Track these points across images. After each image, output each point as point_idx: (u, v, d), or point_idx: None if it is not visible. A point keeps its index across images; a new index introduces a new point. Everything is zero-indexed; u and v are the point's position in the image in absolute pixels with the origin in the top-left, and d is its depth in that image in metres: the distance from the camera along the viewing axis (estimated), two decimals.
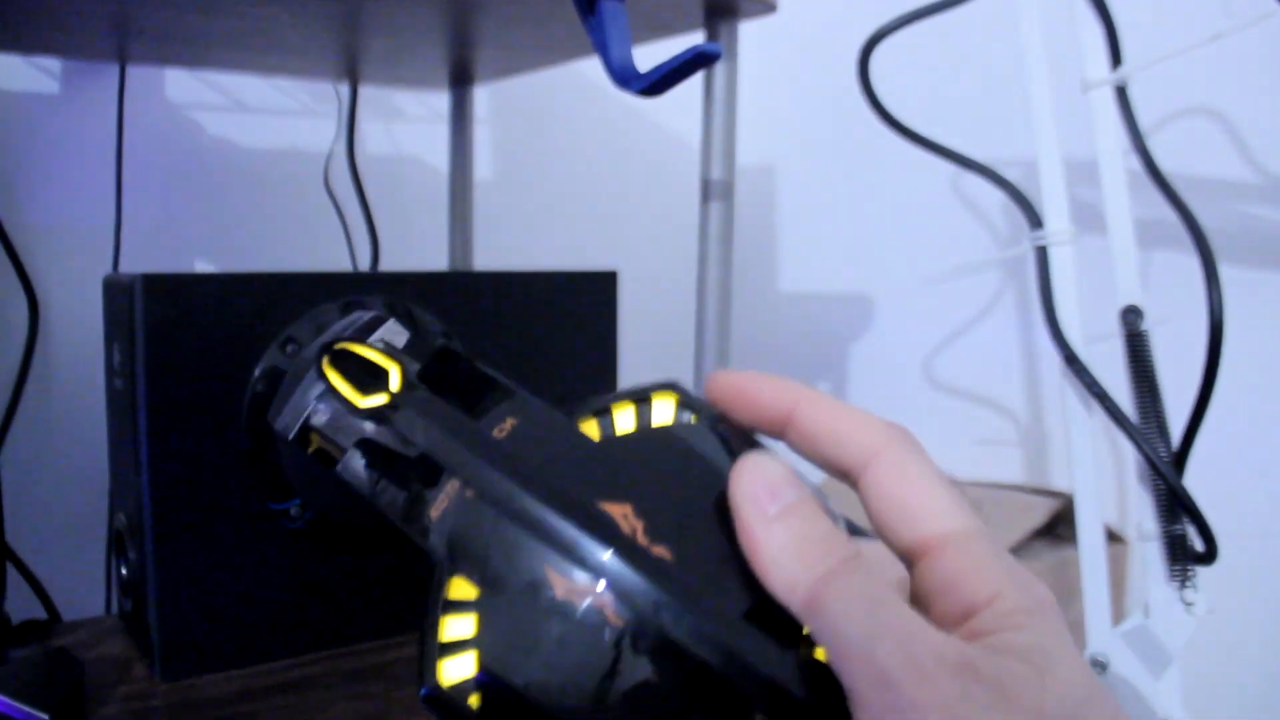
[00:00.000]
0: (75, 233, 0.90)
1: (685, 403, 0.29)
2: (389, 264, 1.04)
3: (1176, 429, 0.64)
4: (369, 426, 0.30)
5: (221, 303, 0.62)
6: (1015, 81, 0.70)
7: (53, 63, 0.89)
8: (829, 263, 1.22)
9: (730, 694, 0.24)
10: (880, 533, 0.28)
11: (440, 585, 0.28)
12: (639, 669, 0.24)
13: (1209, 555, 0.61)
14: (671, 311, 1.04)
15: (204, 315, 0.62)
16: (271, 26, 0.72)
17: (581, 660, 0.25)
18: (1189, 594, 0.62)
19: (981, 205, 1.03)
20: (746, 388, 0.29)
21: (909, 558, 0.27)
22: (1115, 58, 0.66)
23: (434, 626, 0.27)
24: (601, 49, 0.50)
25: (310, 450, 0.33)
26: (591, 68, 0.68)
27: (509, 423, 0.29)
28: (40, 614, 0.80)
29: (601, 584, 0.25)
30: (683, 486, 0.27)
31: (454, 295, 0.70)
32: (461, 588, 0.27)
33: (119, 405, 0.65)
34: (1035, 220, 0.69)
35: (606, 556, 0.25)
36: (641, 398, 0.30)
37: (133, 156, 0.92)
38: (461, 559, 0.27)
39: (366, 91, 1.02)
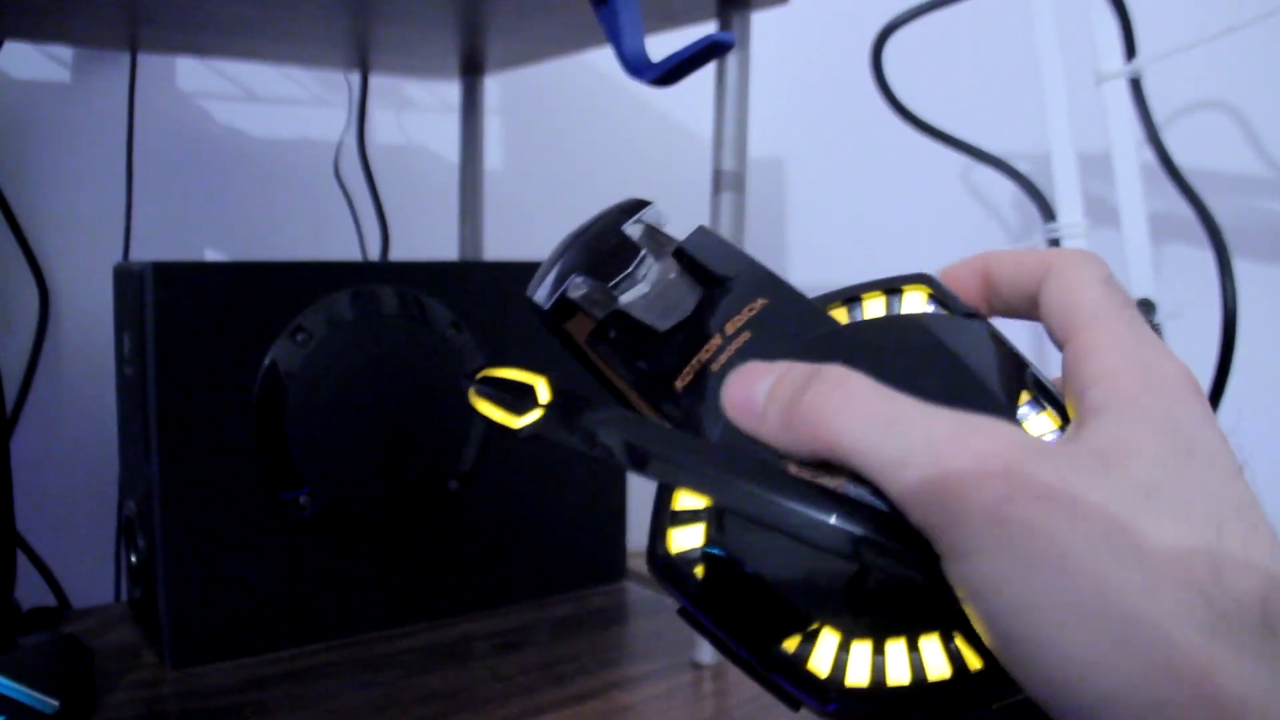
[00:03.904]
0: (85, 221, 0.90)
1: (937, 295, 0.29)
2: (399, 253, 1.04)
3: None
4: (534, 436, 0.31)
5: (232, 291, 0.62)
6: (1028, 74, 0.69)
7: (63, 51, 0.89)
8: (840, 255, 1.22)
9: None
10: (1055, 343, 0.27)
11: None
12: (855, 556, 0.24)
13: None
14: None
15: (214, 304, 0.62)
16: (282, 15, 0.72)
17: (801, 540, 0.25)
18: None
19: (993, 198, 1.03)
20: (959, 281, 0.30)
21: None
22: (1130, 50, 0.66)
23: (668, 493, 0.27)
24: (614, 38, 0.50)
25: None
26: (603, 58, 0.67)
27: (759, 303, 0.30)
28: (50, 601, 0.81)
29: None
30: (924, 375, 0.26)
31: (464, 285, 0.70)
32: None
33: (129, 393, 0.65)
34: (1048, 213, 0.69)
35: None
36: (892, 288, 0.29)
37: (143, 145, 0.92)
38: (695, 430, 0.28)
39: (377, 81, 1.02)
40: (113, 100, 0.90)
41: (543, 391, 0.30)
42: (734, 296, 0.30)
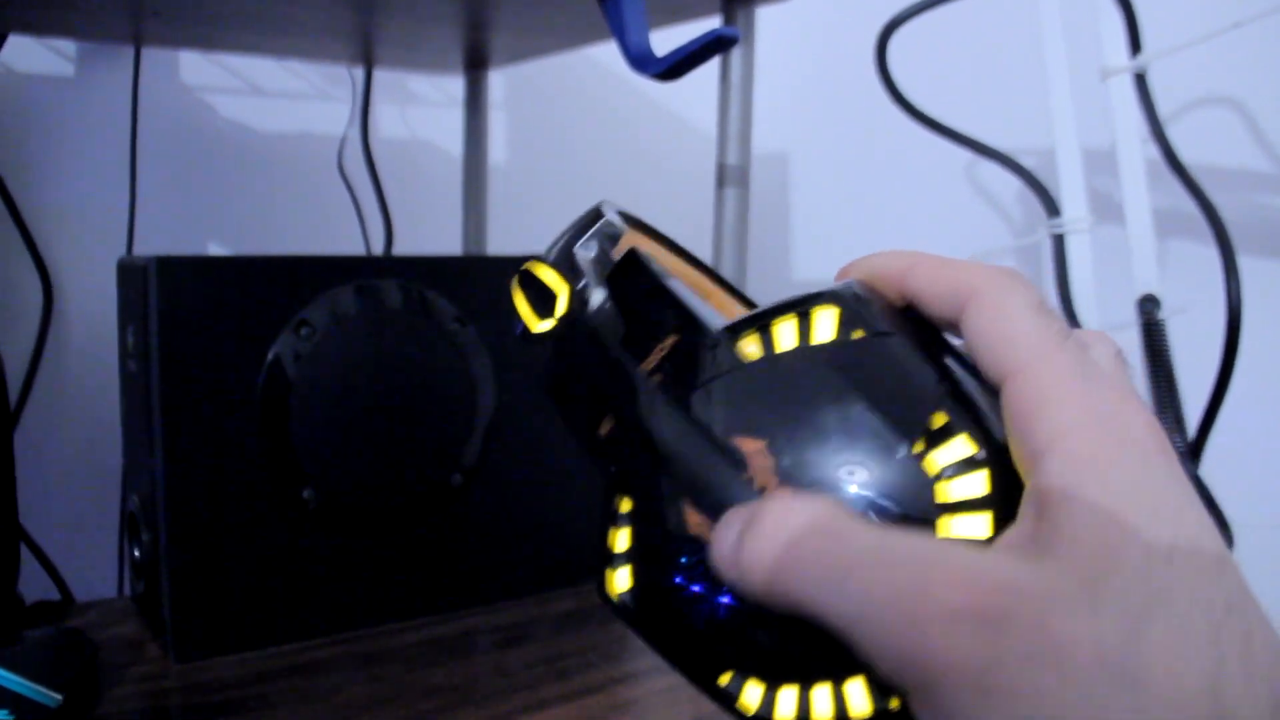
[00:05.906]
0: (89, 215, 0.90)
1: (847, 315, 0.27)
2: (402, 248, 1.04)
3: (1193, 419, 0.64)
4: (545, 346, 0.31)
5: (235, 285, 0.62)
6: (1033, 69, 0.69)
7: (67, 45, 0.89)
8: (843, 250, 1.21)
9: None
10: (987, 380, 0.25)
11: (609, 498, 0.29)
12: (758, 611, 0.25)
13: None
14: None
15: (218, 298, 0.62)
16: (286, 8, 0.72)
17: (710, 589, 0.26)
18: None
19: (996, 193, 1.03)
20: (884, 280, 0.28)
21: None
22: (1135, 45, 0.66)
23: (603, 538, 0.28)
24: (618, 32, 0.50)
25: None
26: (607, 52, 0.67)
27: (669, 341, 0.29)
28: (53, 595, 0.81)
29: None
30: (827, 416, 0.26)
31: (468, 279, 0.70)
32: (625, 503, 0.28)
33: (132, 388, 0.65)
34: (1052, 208, 0.68)
35: (726, 496, 0.26)
36: (804, 310, 0.28)
37: (147, 139, 0.92)
38: (618, 477, 0.29)
39: (381, 75, 1.02)
40: (116, 94, 0.90)
41: (561, 303, 0.30)
42: (651, 333, 0.29)
